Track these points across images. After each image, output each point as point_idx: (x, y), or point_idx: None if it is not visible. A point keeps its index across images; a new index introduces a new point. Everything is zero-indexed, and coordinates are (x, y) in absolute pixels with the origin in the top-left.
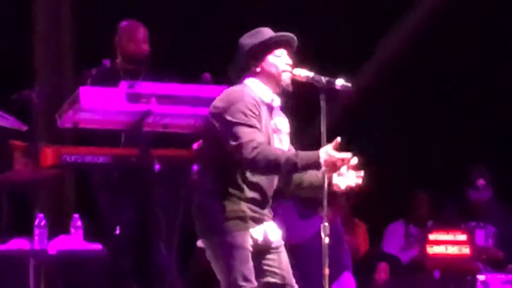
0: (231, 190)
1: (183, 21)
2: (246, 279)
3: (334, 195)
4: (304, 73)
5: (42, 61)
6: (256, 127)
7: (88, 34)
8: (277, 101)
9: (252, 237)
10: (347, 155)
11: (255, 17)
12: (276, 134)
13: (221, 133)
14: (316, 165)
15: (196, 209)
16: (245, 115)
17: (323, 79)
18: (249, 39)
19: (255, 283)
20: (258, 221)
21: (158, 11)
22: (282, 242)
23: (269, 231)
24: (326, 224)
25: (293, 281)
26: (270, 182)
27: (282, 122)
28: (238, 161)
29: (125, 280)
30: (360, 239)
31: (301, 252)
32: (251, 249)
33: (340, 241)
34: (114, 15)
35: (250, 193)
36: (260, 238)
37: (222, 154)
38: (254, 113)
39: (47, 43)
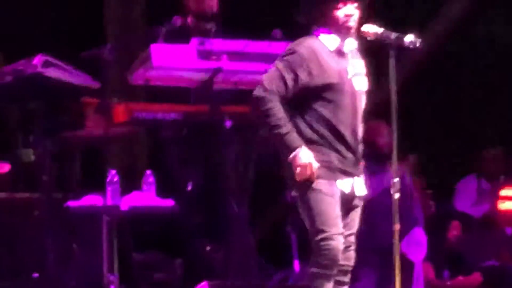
0: (319, 140)
1: None
2: (331, 225)
3: (404, 152)
4: (373, 29)
5: (114, 18)
6: (285, 79)
7: None
8: (349, 46)
9: (339, 188)
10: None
11: None
12: (347, 80)
13: None
14: (289, 151)
15: (285, 162)
16: (285, 62)
17: (392, 35)
18: None
19: (341, 230)
20: (346, 174)
21: None
22: (362, 202)
23: (357, 186)
24: (397, 179)
25: (353, 240)
26: (354, 131)
27: (357, 65)
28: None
29: (197, 236)
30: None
31: (371, 207)
32: (337, 198)
33: (410, 197)
34: None
35: (337, 145)
36: (347, 191)
37: (296, 105)
38: (300, 64)
39: (118, 1)
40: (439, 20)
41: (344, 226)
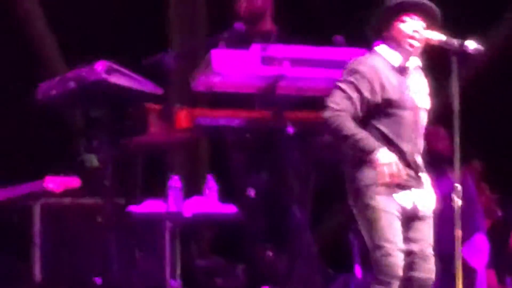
0: None
1: None
2: (389, 240)
3: (465, 158)
4: (436, 36)
5: (176, 24)
6: (352, 99)
7: None
8: (412, 63)
9: (397, 203)
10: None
11: None
12: (409, 97)
13: None
14: (368, 154)
15: (346, 173)
16: (348, 83)
17: (455, 41)
18: (387, 1)
19: (400, 245)
20: (404, 187)
21: None
22: (431, 213)
23: (418, 199)
24: (458, 185)
25: (429, 251)
26: (414, 146)
27: (420, 82)
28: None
29: (259, 242)
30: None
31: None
32: (397, 213)
33: (472, 203)
34: None
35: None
36: (408, 206)
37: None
38: (363, 83)
39: (181, 7)
40: (502, 25)
41: (417, 240)
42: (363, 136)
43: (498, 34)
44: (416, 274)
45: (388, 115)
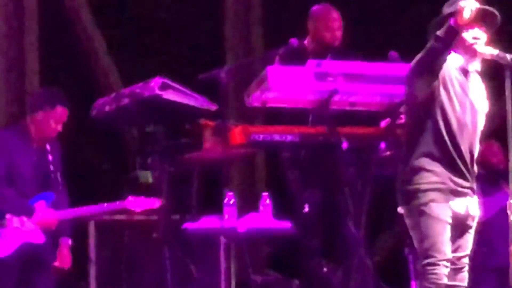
0: (440, 154)
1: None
2: (439, 250)
3: None
4: (489, 51)
5: (232, 41)
6: None
7: (276, 13)
8: (473, 66)
9: (452, 210)
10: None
11: None
12: (468, 98)
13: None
14: (448, 26)
15: (399, 178)
16: None
17: (508, 56)
18: (447, 8)
19: (448, 255)
20: (459, 194)
21: None
22: (475, 223)
23: (471, 206)
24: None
25: (466, 261)
26: (471, 147)
27: (479, 86)
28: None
29: (314, 259)
30: None
31: (488, 227)
32: (449, 221)
33: None
34: None
35: (456, 161)
36: (461, 212)
37: (421, 119)
38: None
39: (237, 23)
40: None
41: (458, 248)
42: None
43: None
44: (454, 282)
45: (451, 110)
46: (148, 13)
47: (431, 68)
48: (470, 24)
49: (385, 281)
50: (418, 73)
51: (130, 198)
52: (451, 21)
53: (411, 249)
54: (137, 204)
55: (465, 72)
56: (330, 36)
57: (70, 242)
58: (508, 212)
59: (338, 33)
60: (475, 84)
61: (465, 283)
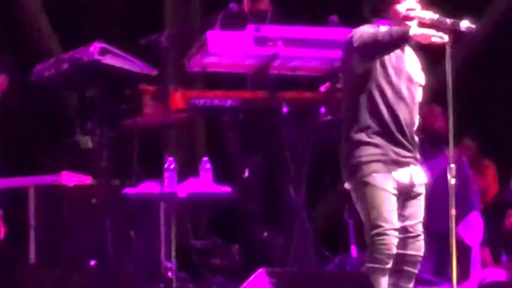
0: (379, 127)
1: None
2: (386, 220)
3: (460, 136)
4: (428, 15)
5: (171, 6)
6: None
7: None
8: None
9: (396, 180)
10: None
11: None
12: (405, 71)
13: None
14: (405, 33)
15: (341, 153)
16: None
17: (448, 21)
18: None
19: (396, 225)
20: (402, 164)
21: None
22: (423, 189)
23: (415, 175)
24: (452, 165)
25: (420, 229)
26: (410, 119)
27: (414, 59)
28: (356, 54)
29: (254, 223)
30: (489, 180)
31: (427, 191)
32: (394, 191)
33: (467, 181)
34: None
35: (396, 133)
36: (405, 181)
37: (357, 92)
38: None
39: None
40: (498, 4)
41: (409, 216)
42: (388, 29)
43: (493, 12)
44: (407, 251)
45: (388, 84)
46: None
47: (377, 54)
48: None
49: (326, 245)
50: (361, 52)
51: (64, 172)
52: (411, 33)
53: (350, 213)
54: (71, 179)
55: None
56: None
57: (1, 212)
58: (448, 176)
59: None
60: (410, 57)
61: (421, 253)
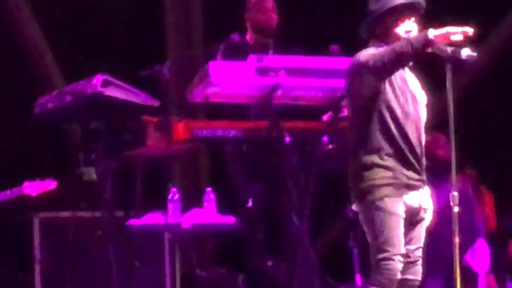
0: (384, 153)
1: None
2: (393, 245)
3: (462, 164)
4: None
5: (173, 37)
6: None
7: (218, 8)
8: None
9: (405, 204)
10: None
11: None
12: (409, 90)
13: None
14: (425, 38)
15: (351, 175)
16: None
17: (448, 48)
18: (374, 5)
19: (402, 250)
20: (412, 187)
21: None
22: (428, 216)
23: (423, 199)
24: (455, 193)
25: (419, 254)
26: (418, 138)
27: (414, 79)
28: (369, 73)
29: (258, 252)
30: (487, 208)
31: (437, 219)
32: (403, 215)
33: (472, 208)
34: None
35: (407, 155)
36: (415, 205)
37: (367, 114)
38: None
39: (177, 18)
40: (498, 32)
41: (411, 240)
42: (403, 41)
43: (495, 40)
44: (406, 276)
45: (396, 103)
46: (88, 7)
47: (391, 70)
48: (402, 17)
49: (330, 274)
50: (377, 71)
51: (26, 183)
52: (431, 36)
53: (355, 242)
54: (33, 188)
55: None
56: (265, 18)
57: None
58: (451, 204)
59: (273, 15)
60: (411, 76)
61: (419, 277)
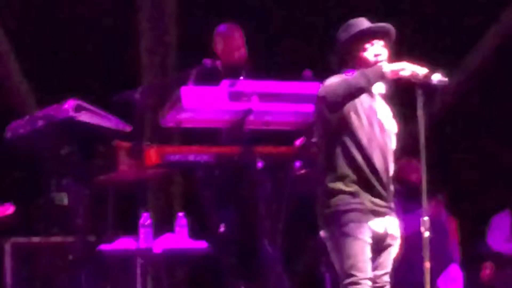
0: (349, 180)
1: (280, 17)
2: (360, 270)
3: (433, 190)
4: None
5: (147, 60)
6: None
7: (191, 33)
8: (377, 88)
9: (371, 229)
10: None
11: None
12: (377, 119)
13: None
14: (380, 71)
15: (318, 202)
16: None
17: (420, 74)
18: (342, 33)
19: (369, 274)
20: (378, 214)
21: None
22: (398, 240)
23: (389, 226)
24: (426, 218)
25: (387, 279)
26: (386, 168)
27: (384, 107)
28: (325, 107)
29: (230, 278)
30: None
31: (409, 244)
32: (369, 241)
33: (445, 234)
34: (215, 14)
35: (372, 182)
36: (380, 231)
37: (332, 142)
38: None
39: (151, 44)
40: (470, 58)
41: (378, 266)
42: (360, 72)
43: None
44: None
45: (361, 131)
46: (62, 30)
47: (342, 102)
48: (370, 41)
49: None
50: (332, 104)
51: None
52: (385, 69)
53: (327, 267)
54: None
55: (370, 94)
56: (233, 56)
57: None
58: (422, 229)
59: (242, 51)
60: (381, 105)
61: None
